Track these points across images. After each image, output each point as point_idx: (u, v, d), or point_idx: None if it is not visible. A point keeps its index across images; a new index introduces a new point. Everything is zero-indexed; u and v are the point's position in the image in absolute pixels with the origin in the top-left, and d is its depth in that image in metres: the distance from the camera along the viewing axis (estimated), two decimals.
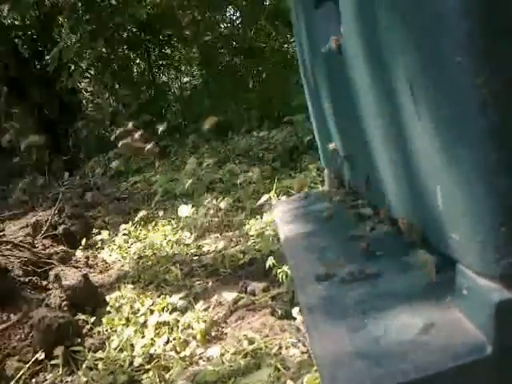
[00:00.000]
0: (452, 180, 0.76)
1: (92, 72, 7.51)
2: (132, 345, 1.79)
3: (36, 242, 2.86)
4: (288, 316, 1.70)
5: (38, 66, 7.75)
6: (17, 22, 7.88)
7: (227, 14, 9.20)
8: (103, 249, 3.11)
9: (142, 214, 3.49)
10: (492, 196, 0.67)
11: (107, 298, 2.17)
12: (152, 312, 2.00)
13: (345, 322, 0.90)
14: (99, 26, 6.76)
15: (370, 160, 1.21)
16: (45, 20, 7.19)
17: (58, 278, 2.13)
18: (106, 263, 2.79)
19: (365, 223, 1.33)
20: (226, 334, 1.78)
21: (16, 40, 7.91)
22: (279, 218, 1.71)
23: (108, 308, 2.10)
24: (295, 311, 1.66)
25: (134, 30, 7.38)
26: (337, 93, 1.43)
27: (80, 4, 6.89)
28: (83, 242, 3.15)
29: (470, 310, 0.75)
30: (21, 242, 2.57)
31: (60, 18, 7.58)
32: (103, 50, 6.85)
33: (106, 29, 6.72)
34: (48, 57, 7.21)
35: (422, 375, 0.70)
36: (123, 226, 3.32)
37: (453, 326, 0.76)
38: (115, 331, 1.92)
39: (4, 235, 3.14)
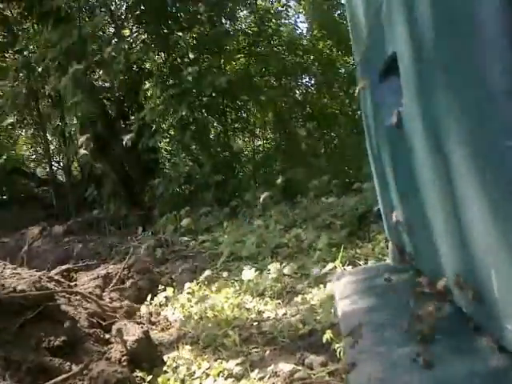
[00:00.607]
0: (507, 261, 0.72)
1: (172, 132, 7.90)
2: None
3: (104, 294, 2.97)
4: None
5: (123, 126, 8.24)
6: (107, 84, 8.51)
7: (302, 81, 9.49)
8: (167, 306, 3.16)
9: (206, 273, 3.55)
10: None
11: (165, 357, 2.20)
12: (208, 376, 1.99)
13: None
14: (182, 90, 7.17)
15: (428, 234, 1.18)
16: (132, 83, 7.72)
17: (119, 332, 2.19)
18: (168, 321, 2.84)
19: (427, 302, 1.29)
20: None
21: (105, 101, 8.51)
22: (339, 290, 1.70)
23: (165, 367, 2.13)
24: None
25: (214, 94, 7.75)
26: (398, 164, 1.44)
27: (165, 69, 7.37)
28: (148, 297, 3.24)
29: None
30: (90, 293, 2.68)
31: (146, 82, 8.09)
32: (183, 113, 7.20)
33: (188, 94, 7.12)
34: (133, 117, 7.70)
35: None
36: (188, 285, 3.38)
37: None
38: None
39: (76, 285, 3.29)
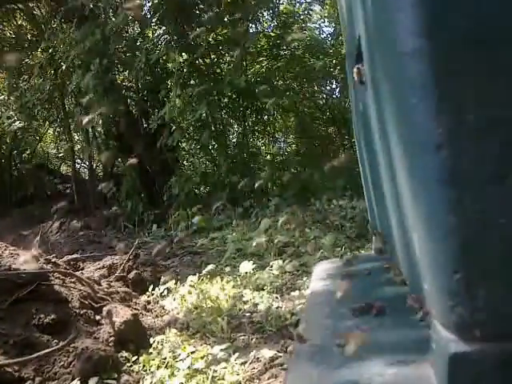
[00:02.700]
0: (419, 222, 0.73)
1: (191, 132, 7.97)
2: None
3: (104, 281, 3.01)
4: None
5: (145, 125, 8.33)
6: (131, 84, 8.63)
7: (326, 87, 9.47)
8: (168, 296, 3.19)
9: (209, 268, 3.57)
10: (446, 238, 0.65)
11: (152, 340, 2.22)
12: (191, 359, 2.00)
13: (321, 367, 0.89)
14: (202, 90, 7.23)
15: (387, 217, 1.19)
16: (154, 83, 7.82)
17: (109, 314, 2.22)
18: (164, 310, 2.86)
19: (390, 286, 1.31)
20: None
21: (129, 100, 8.63)
22: (316, 275, 1.71)
23: (151, 350, 2.14)
24: None
25: (234, 96, 7.78)
26: (368, 147, 1.45)
27: (185, 70, 7.45)
28: (150, 288, 3.27)
29: (435, 364, 0.71)
30: (87, 278, 2.72)
31: (168, 82, 8.18)
32: (203, 113, 7.25)
33: (208, 94, 7.17)
34: (153, 116, 7.80)
35: None
36: (190, 278, 3.40)
37: (419, 381, 0.72)
38: (152, 372, 1.95)
39: (82, 273, 3.34)
